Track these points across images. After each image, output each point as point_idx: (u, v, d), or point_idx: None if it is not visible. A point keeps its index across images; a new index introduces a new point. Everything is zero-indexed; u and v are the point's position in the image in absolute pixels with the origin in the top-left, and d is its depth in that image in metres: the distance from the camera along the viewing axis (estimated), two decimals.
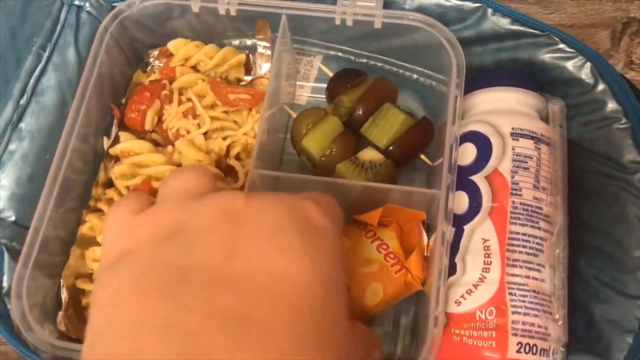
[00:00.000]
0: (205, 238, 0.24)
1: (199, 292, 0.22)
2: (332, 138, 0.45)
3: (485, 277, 0.38)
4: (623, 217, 0.39)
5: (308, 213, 0.26)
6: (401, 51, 0.49)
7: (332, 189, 0.41)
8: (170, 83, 0.49)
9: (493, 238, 0.39)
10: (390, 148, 0.45)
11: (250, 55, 0.51)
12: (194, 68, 0.50)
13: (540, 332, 0.37)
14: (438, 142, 0.46)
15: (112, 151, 0.46)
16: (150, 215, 0.26)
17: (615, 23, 0.58)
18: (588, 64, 0.43)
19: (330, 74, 0.49)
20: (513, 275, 0.38)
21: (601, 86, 0.42)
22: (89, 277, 0.43)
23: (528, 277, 0.38)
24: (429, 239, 0.42)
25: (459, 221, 0.40)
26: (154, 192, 0.42)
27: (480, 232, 0.39)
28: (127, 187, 0.45)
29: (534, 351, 0.37)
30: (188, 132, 0.47)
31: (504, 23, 0.45)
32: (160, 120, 0.48)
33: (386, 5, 0.46)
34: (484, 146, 0.41)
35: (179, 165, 0.44)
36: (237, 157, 0.47)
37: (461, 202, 0.41)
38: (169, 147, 0.46)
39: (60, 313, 0.41)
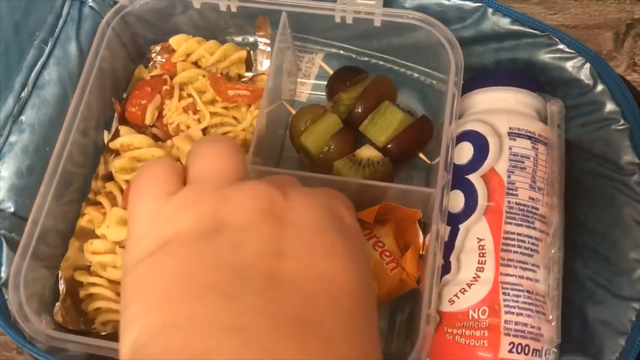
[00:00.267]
0: (250, 237, 0.23)
1: (259, 293, 0.21)
2: (331, 135, 0.45)
3: (479, 277, 0.38)
4: (619, 219, 0.39)
5: (340, 214, 0.26)
6: (402, 50, 0.49)
7: (330, 186, 0.40)
8: (172, 78, 0.49)
9: (488, 237, 0.39)
10: (389, 146, 0.45)
11: (252, 51, 0.51)
12: (195, 64, 0.50)
13: (533, 333, 0.37)
14: (437, 140, 0.46)
15: (112, 145, 0.46)
16: (185, 200, 0.24)
17: (619, 24, 0.58)
18: (587, 65, 0.43)
19: (331, 72, 0.49)
20: (507, 275, 0.38)
21: (600, 87, 0.42)
22: (87, 269, 0.44)
23: (522, 277, 0.38)
24: (424, 237, 0.42)
25: (455, 220, 0.40)
26: None
27: (475, 231, 0.39)
28: (127, 181, 0.45)
29: (526, 351, 0.37)
30: (188, 127, 0.47)
31: (504, 23, 0.45)
32: (160, 115, 0.48)
33: (387, 4, 0.46)
34: (480, 145, 0.41)
35: (178, 160, 0.45)
36: None
37: (457, 201, 0.41)
38: (169, 142, 0.46)
39: (58, 304, 0.42)
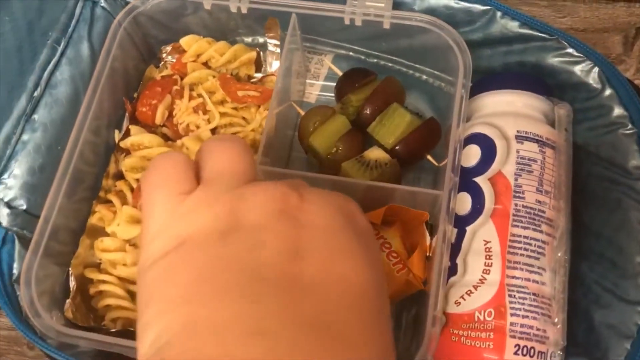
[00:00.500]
0: (267, 238, 0.23)
1: (279, 296, 0.21)
2: (339, 136, 0.45)
3: (485, 279, 0.39)
4: (626, 223, 0.39)
5: (354, 215, 0.26)
6: (411, 52, 0.49)
7: (337, 187, 0.41)
8: (182, 78, 0.49)
9: (494, 240, 0.39)
10: (397, 148, 0.45)
11: (261, 52, 0.52)
12: (206, 64, 0.50)
13: (539, 335, 0.37)
14: (445, 143, 0.46)
15: (122, 144, 0.47)
16: (200, 201, 0.24)
17: (629, 28, 0.58)
18: (596, 69, 0.43)
19: (339, 73, 0.49)
20: (513, 277, 0.38)
21: (608, 91, 0.42)
22: (97, 266, 0.44)
23: (528, 279, 0.38)
24: (431, 239, 0.43)
25: (462, 222, 0.41)
26: None
27: (482, 233, 0.40)
28: (137, 180, 0.46)
29: (532, 354, 0.37)
30: (198, 127, 0.47)
31: (513, 26, 0.45)
32: (170, 115, 0.48)
33: (396, 6, 0.46)
34: (488, 148, 0.41)
35: None
36: None
37: (464, 203, 0.41)
38: (178, 142, 0.47)
39: (68, 301, 0.42)
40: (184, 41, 0.50)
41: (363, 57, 0.52)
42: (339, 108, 0.48)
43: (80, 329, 0.39)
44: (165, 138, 0.48)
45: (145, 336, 0.22)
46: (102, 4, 0.49)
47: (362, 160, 0.45)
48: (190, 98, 0.48)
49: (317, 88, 0.53)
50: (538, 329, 0.37)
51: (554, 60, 0.44)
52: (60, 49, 0.46)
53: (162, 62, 0.52)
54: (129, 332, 0.42)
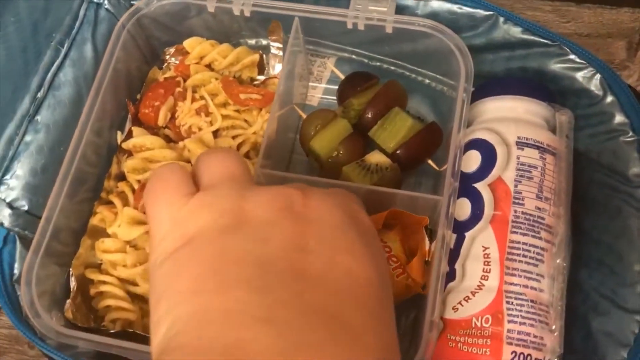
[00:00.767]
0: (273, 232, 0.24)
1: (286, 287, 0.22)
2: (340, 140, 0.46)
3: (483, 285, 0.39)
4: (625, 231, 0.39)
5: (357, 213, 0.27)
6: (413, 56, 0.49)
7: None
8: (185, 81, 0.50)
9: (493, 246, 0.39)
10: (398, 152, 0.45)
11: (264, 55, 0.52)
12: (209, 66, 0.51)
13: (536, 342, 0.37)
14: (446, 147, 0.46)
15: (124, 145, 0.47)
16: (204, 200, 0.25)
17: (633, 33, 0.57)
18: (597, 76, 0.43)
19: (342, 76, 0.49)
20: (511, 284, 0.38)
21: (610, 98, 0.42)
22: (97, 267, 0.45)
23: (526, 286, 0.38)
24: (431, 244, 0.43)
25: (461, 228, 0.41)
26: None
27: (481, 239, 0.40)
28: (139, 181, 0.46)
29: None
30: (200, 129, 0.48)
31: (515, 32, 0.45)
32: (173, 117, 0.49)
33: (399, 11, 0.46)
34: (488, 154, 0.41)
35: (188, 162, 0.45)
36: (247, 156, 0.47)
37: (463, 208, 0.41)
38: (180, 144, 0.47)
39: (68, 301, 0.42)
40: (187, 43, 0.50)
41: (366, 61, 0.52)
42: (340, 111, 0.48)
43: (80, 330, 0.40)
44: (168, 140, 0.48)
45: (158, 330, 0.22)
46: (106, 6, 0.49)
47: (363, 164, 0.45)
48: (193, 100, 0.49)
49: (320, 91, 0.53)
50: (535, 336, 0.37)
51: (556, 66, 0.44)
52: (63, 50, 0.46)
53: (165, 64, 0.52)
54: (128, 333, 0.42)
